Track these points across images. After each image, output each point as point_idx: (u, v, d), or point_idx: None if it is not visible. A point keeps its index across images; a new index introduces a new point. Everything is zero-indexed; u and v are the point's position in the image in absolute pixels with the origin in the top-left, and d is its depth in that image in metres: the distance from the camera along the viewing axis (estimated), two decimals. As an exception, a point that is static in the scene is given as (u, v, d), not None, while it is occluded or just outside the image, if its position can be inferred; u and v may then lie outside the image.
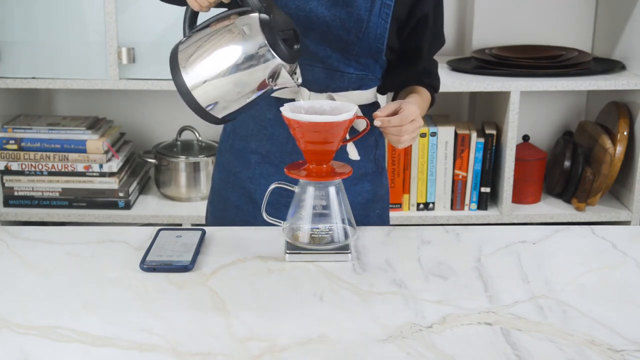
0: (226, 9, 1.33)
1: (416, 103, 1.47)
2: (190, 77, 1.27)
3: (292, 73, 1.29)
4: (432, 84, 1.61)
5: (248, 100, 1.29)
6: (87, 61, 2.30)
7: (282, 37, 1.27)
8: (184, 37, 1.32)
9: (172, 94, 2.60)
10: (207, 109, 1.28)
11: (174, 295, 1.18)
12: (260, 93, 1.29)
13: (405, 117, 1.34)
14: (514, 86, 2.30)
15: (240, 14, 1.28)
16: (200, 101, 1.28)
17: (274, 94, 1.46)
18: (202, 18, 1.33)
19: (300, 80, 1.32)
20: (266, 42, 1.24)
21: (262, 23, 1.25)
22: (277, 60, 1.25)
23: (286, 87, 1.30)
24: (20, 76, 2.31)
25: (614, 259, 1.33)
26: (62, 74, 2.31)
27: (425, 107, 1.56)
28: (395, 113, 1.36)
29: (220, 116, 1.31)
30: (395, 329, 1.09)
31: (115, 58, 2.27)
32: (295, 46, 1.31)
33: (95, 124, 2.43)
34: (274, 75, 1.27)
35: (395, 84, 1.59)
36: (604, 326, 1.10)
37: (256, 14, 1.26)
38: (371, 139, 1.56)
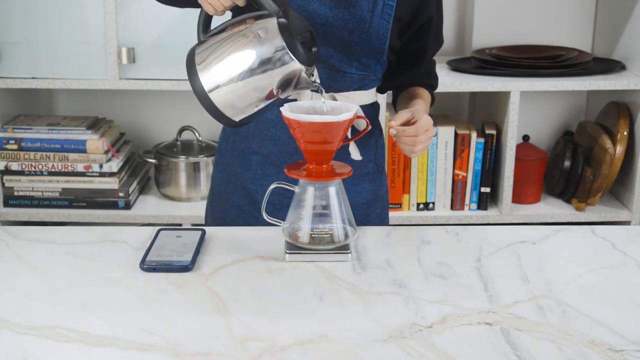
0: (241, 13, 1.32)
1: (426, 111, 1.48)
2: (208, 80, 1.26)
3: (309, 75, 1.29)
4: (432, 83, 1.62)
5: (265, 104, 1.29)
6: (87, 61, 2.30)
7: (300, 40, 1.26)
8: (198, 40, 1.32)
9: (172, 94, 2.61)
10: (225, 112, 1.28)
11: (174, 295, 1.18)
12: (277, 96, 1.29)
13: (420, 128, 1.35)
14: (514, 86, 2.30)
15: (257, 17, 1.27)
16: (218, 104, 1.27)
17: None
18: (215, 22, 1.33)
19: (318, 82, 1.32)
20: (285, 45, 1.24)
21: (281, 27, 1.25)
22: (296, 64, 1.25)
23: (305, 90, 1.30)
24: (20, 76, 2.31)
25: (614, 259, 1.33)
26: (62, 74, 2.31)
27: (429, 110, 1.57)
28: (408, 122, 1.37)
29: (237, 119, 1.30)
30: (395, 329, 1.09)
31: (115, 58, 2.27)
32: (313, 49, 1.31)
33: (95, 124, 2.43)
34: (293, 79, 1.26)
35: (396, 84, 1.60)
36: (604, 326, 1.10)
37: (274, 18, 1.25)
38: (371, 139, 1.56)
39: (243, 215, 1.56)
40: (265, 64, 1.25)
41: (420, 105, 1.49)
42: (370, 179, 1.57)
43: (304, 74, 1.26)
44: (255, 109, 1.29)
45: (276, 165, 1.52)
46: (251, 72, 1.25)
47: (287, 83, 1.27)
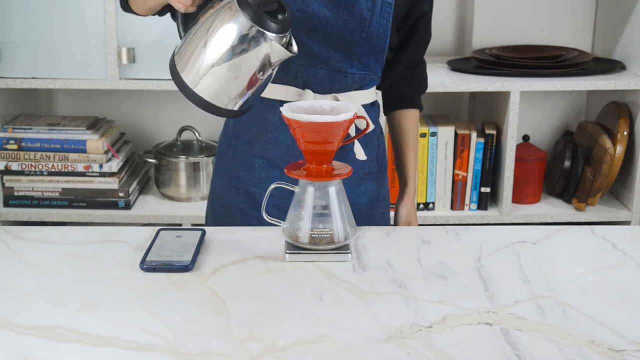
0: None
1: (415, 169, 1.65)
2: (190, 75, 1.26)
3: (287, 45, 1.27)
4: (420, 91, 1.65)
5: (255, 86, 1.28)
6: (87, 61, 2.30)
7: (264, 10, 1.24)
8: (180, 39, 1.32)
9: (172, 94, 2.61)
10: (215, 102, 1.27)
11: (174, 295, 1.18)
12: (262, 75, 1.27)
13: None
14: (514, 86, 2.30)
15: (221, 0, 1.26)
16: (205, 96, 1.26)
17: (278, 97, 1.45)
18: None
19: (295, 49, 1.29)
20: (249, 19, 1.22)
21: (240, 2, 1.23)
22: (266, 34, 1.23)
23: (284, 59, 1.28)
24: (20, 76, 2.31)
25: (614, 259, 1.33)
26: (62, 74, 2.31)
27: (417, 142, 1.67)
28: None
29: (235, 108, 1.29)
30: (395, 329, 1.09)
31: (115, 58, 2.27)
32: (280, 16, 1.28)
33: (95, 124, 2.43)
34: (268, 51, 1.25)
35: (387, 83, 1.59)
36: (604, 326, 1.10)
37: None
38: (373, 138, 1.56)
39: (247, 219, 1.55)
40: (236, 45, 1.23)
41: (410, 184, 1.64)
42: (373, 177, 1.57)
43: (276, 44, 1.24)
44: (249, 92, 1.28)
45: (280, 168, 1.51)
46: (227, 55, 1.24)
47: (265, 56, 1.25)
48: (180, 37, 1.33)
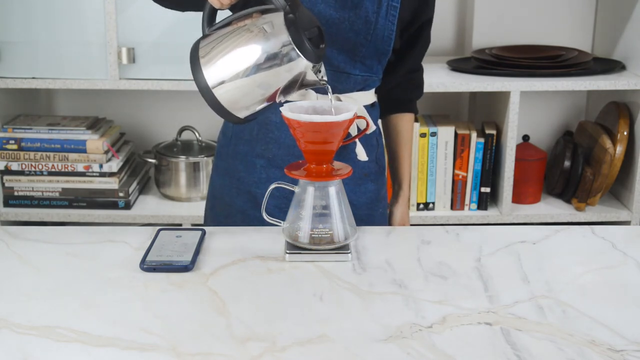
0: (246, 7, 1.30)
1: (409, 172, 1.66)
2: (212, 76, 1.23)
3: (316, 72, 1.26)
4: (418, 94, 1.65)
5: (271, 103, 1.27)
6: (87, 61, 2.30)
7: (307, 36, 1.23)
8: (203, 35, 1.29)
9: (172, 94, 2.61)
10: (229, 108, 1.25)
11: (174, 295, 1.18)
12: (284, 95, 1.26)
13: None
14: (514, 86, 2.30)
15: (264, 12, 1.24)
16: (222, 100, 1.24)
17: None
18: (220, 17, 1.31)
19: (325, 79, 1.28)
20: (292, 41, 1.21)
21: (288, 22, 1.21)
22: (303, 61, 1.22)
23: (312, 86, 1.27)
24: (20, 76, 2.31)
25: (614, 259, 1.33)
26: (62, 74, 2.31)
27: (411, 150, 1.68)
28: None
29: (242, 116, 1.27)
30: (395, 329, 1.09)
31: (115, 58, 2.27)
32: (321, 45, 1.27)
33: (95, 124, 2.43)
34: (299, 76, 1.24)
35: (387, 87, 1.59)
36: (604, 326, 1.10)
37: (281, 13, 1.22)
38: (373, 139, 1.57)
39: (248, 219, 1.54)
40: (271, 60, 1.22)
41: (405, 187, 1.66)
42: (372, 178, 1.57)
43: (310, 71, 1.24)
44: (261, 106, 1.27)
45: (281, 168, 1.50)
46: (256, 68, 1.22)
47: (294, 80, 1.24)
48: (203, 30, 1.30)
